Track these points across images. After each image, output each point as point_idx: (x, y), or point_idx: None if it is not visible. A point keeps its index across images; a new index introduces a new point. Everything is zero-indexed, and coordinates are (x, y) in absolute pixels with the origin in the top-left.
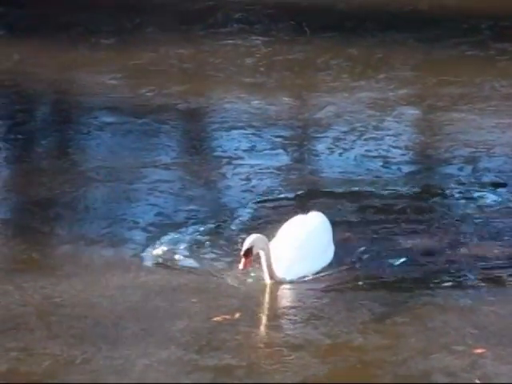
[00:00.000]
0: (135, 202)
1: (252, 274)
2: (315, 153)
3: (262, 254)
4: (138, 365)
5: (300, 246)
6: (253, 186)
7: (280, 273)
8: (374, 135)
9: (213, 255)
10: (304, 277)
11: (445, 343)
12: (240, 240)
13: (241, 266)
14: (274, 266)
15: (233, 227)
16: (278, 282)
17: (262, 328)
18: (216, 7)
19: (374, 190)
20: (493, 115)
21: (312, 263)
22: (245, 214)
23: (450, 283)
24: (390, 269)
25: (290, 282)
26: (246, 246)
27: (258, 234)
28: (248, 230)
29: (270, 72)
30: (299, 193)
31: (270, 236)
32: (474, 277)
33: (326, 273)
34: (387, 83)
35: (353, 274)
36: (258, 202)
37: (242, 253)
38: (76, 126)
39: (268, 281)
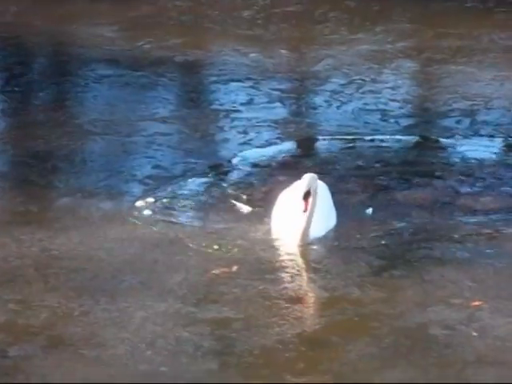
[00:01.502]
0: (133, 154)
1: (250, 228)
2: (313, 106)
3: (312, 194)
4: (136, 317)
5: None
6: (250, 139)
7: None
8: (371, 88)
9: (210, 208)
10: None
11: (442, 296)
12: (236, 193)
13: (303, 208)
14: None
15: (230, 180)
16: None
17: (260, 281)
18: None
19: (371, 143)
20: (491, 68)
21: (323, 225)
22: (242, 167)
23: (447, 236)
24: (387, 222)
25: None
26: (304, 188)
27: (311, 174)
28: (246, 183)
29: (267, 24)
30: (297, 146)
31: (271, 193)
32: (471, 230)
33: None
34: (385, 36)
35: (350, 227)
36: (256, 155)
37: (302, 197)
38: (74, 79)
39: (298, 239)
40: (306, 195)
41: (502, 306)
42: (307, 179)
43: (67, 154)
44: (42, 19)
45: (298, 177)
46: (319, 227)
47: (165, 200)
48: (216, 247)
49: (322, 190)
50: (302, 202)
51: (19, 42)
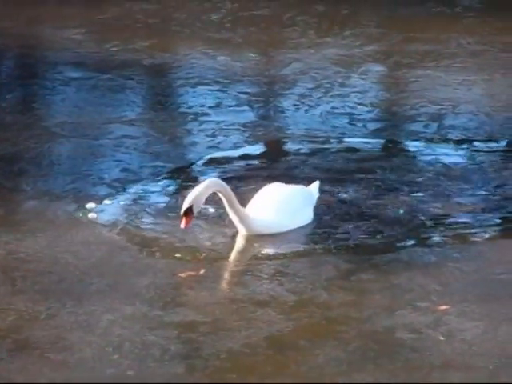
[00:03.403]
0: (100, 157)
1: (217, 231)
2: (281, 109)
3: (221, 196)
4: (103, 320)
5: (274, 203)
6: (218, 143)
7: (252, 225)
8: (339, 92)
9: (178, 212)
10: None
11: (409, 300)
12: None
13: (182, 225)
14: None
15: (198, 184)
16: (247, 233)
17: (227, 284)
18: None
19: (339, 147)
20: (459, 72)
21: (285, 221)
22: (210, 171)
23: (414, 240)
24: (355, 225)
25: (258, 234)
26: (185, 205)
27: (202, 185)
28: None
29: (235, 28)
30: (265, 150)
31: (239, 193)
32: (438, 234)
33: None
34: (353, 40)
35: (318, 230)
36: (224, 159)
37: (181, 212)
38: (41, 81)
39: (241, 230)
40: (187, 212)
41: (469, 309)
42: (192, 195)
43: (34, 156)
44: (10, 21)
45: (267, 180)
46: (282, 223)
47: (132, 203)
48: (183, 251)
49: (286, 190)
50: (183, 218)
51: None
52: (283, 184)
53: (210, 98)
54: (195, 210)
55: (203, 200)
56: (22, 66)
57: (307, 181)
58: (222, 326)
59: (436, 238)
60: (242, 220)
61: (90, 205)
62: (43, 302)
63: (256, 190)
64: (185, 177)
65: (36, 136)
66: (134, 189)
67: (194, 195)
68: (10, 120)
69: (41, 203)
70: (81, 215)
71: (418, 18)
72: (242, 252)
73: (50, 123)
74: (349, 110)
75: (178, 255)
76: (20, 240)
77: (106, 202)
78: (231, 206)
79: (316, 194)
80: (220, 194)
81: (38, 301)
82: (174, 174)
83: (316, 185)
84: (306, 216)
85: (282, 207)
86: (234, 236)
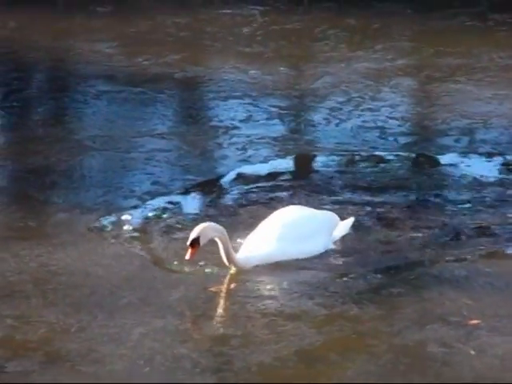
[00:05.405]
0: (131, 170)
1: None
2: (312, 123)
3: (218, 241)
4: (134, 333)
5: (262, 235)
6: (249, 156)
7: (240, 260)
8: (370, 106)
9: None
10: (265, 264)
11: (440, 314)
12: (234, 209)
13: (187, 256)
14: (234, 252)
15: (229, 197)
16: (238, 269)
17: (258, 298)
18: None
19: (370, 161)
20: (490, 86)
21: (274, 253)
22: (241, 184)
23: (445, 255)
24: (385, 239)
25: (248, 269)
26: (192, 236)
27: (209, 223)
28: (244, 199)
29: (266, 42)
30: (295, 163)
31: (267, 207)
32: (469, 248)
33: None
34: (384, 53)
35: (347, 245)
36: (255, 172)
37: (188, 243)
38: (72, 94)
39: (228, 266)
40: (193, 242)
41: (500, 324)
42: (198, 228)
43: (66, 169)
44: (41, 35)
45: (296, 193)
46: (277, 254)
47: (162, 217)
48: (213, 265)
49: (289, 216)
50: (189, 249)
51: (18, 58)
52: (300, 207)
53: (240, 111)
54: (202, 242)
55: (209, 236)
56: (54, 80)
57: (338, 195)
58: (252, 339)
59: (467, 252)
60: (233, 262)
61: (121, 218)
62: (74, 315)
63: (285, 204)
64: (216, 190)
65: (67, 149)
66: (164, 202)
67: (203, 227)
68: (41, 133)
69: (72, 216)
70: (112, 228)
71: (449, 31)
72: (272, 266)
73: (82, 136)
74: (380, 124)
75: (208, 269)
76: (51, 253)
77: (137, 215)
78: (226, 250)
79: (344, 231)
80: (218, 240)
81: (70, 313)
82: (204, 187)
83: (349, 222)
84: (315, 244)
85: (285, 235)
86: None
